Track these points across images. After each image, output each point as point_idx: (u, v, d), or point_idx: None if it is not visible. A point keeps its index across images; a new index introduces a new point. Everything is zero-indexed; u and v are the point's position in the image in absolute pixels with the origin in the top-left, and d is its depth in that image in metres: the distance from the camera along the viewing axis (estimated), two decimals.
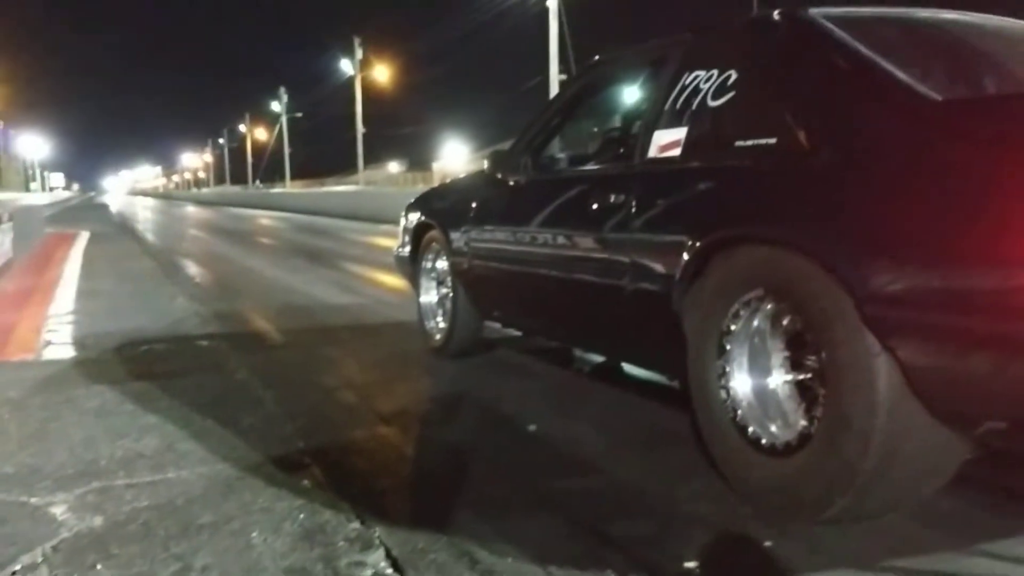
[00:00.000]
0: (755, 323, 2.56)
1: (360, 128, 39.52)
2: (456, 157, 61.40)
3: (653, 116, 3.08)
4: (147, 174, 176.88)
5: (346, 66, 40.52)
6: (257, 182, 75.21)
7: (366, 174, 44.57)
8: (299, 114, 57.84)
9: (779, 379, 2.52)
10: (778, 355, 2.52)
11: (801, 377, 2.44)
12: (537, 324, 4.22)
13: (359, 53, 39.60)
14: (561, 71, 23.30)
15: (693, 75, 2.92)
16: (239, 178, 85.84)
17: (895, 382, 2.09)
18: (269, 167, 69.39)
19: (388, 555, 2.24)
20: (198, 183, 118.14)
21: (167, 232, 20.76)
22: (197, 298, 7.54)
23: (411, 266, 5.03)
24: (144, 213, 35.58)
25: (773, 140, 2.51)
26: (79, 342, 5.43)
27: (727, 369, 2.60)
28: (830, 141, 2.36)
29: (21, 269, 10.11)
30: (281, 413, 3.65)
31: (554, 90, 23.45)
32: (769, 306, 2.51)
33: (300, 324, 6.07)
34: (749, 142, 2.59)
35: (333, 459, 3.03)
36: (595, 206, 3.23)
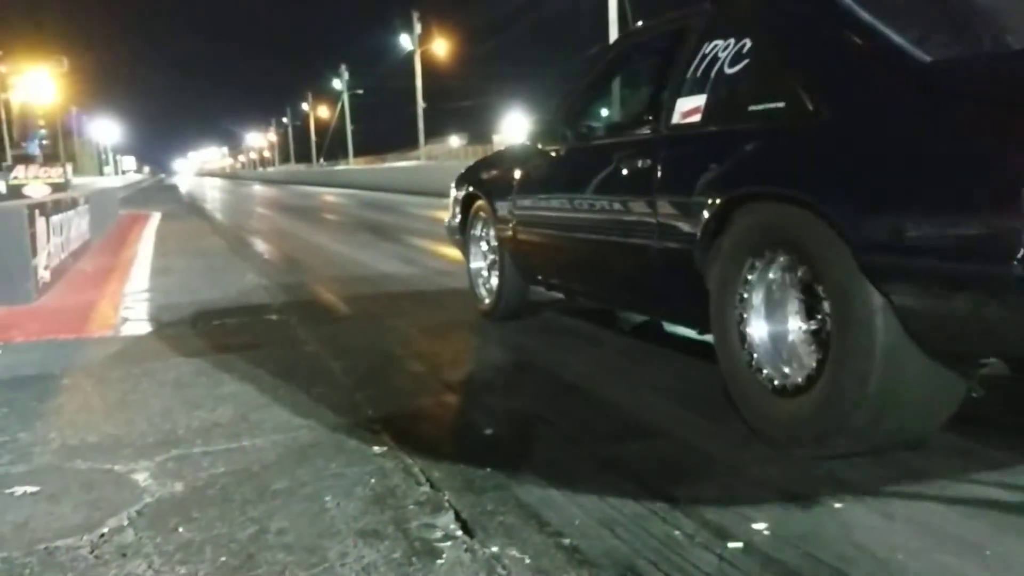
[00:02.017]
0: (769, 275, 2.74)
1: (420, 103, 39.62)
2: (516, 129, 61.08)
3: (677, 84, 3.22)
4: (214, 155, 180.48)
5: (405, 41, 40.59)
6: (321, 160, 76.13)
7: (427, 148, 44.73)
8: (360, 91, 58.15)
9: (792, 326, 2.70)
10: (791, 305, 2.70)
11: (811, 324, 2.61)
12: (576, 287, 4.37)
13: (418, 28, 39.61)
14: None
15: (712, 44, 3.06)
16: (303, 156, 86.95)
17: (891, 325, 2.25)
18: (332, 144, 70.16)
19: (457, 517, 2.28)
20: (263, 162, 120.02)
21: (235, 211, 21.20)
22: (266, 273, 7.71)
23: (461, 235, 5.34)
24: (212, 193, 36.37)
25: (782, 104, 2.67)
26: (155, 318, 5.61)
27: (745, 318, 2.78)
28: (830, 104, 2.51)
29: (98, 249, 10.44)
30: (350, 382, 3.72)
31: None
32: (781, 259, 2.68)
33: (366, 296, 6.17)
34: (760, 107, 2.75)
35: (401, 425, 3.09)
36: (625, 171, 3.42)
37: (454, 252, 7.68)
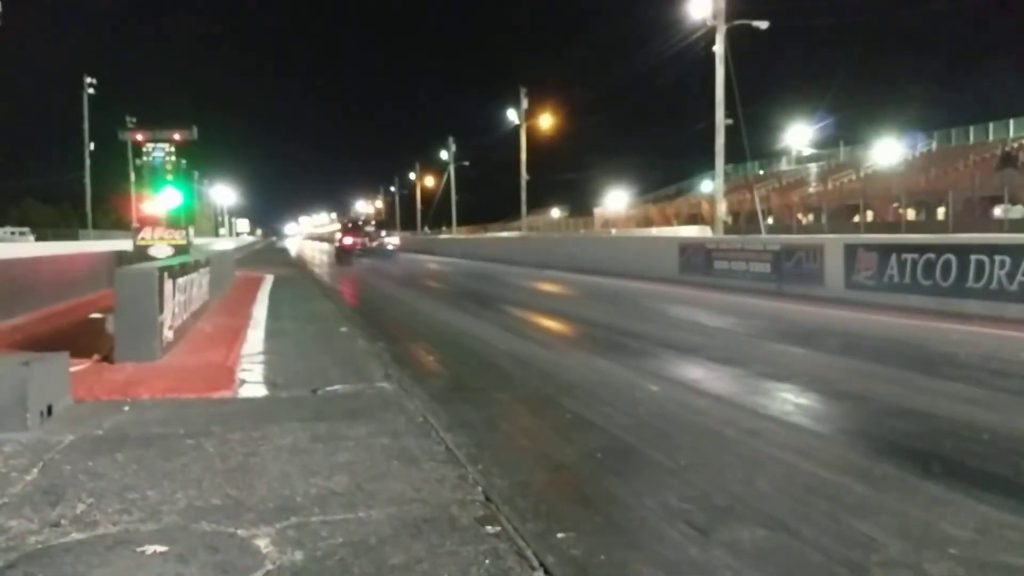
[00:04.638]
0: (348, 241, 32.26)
1: (524, 175, 40.34)
2: (617, 202, 61.44)
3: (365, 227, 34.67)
4: (323, 220, 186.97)
5: (512, 115, 41.59)
6: (425, 227, 77.94)
7: (528, 219, 45.36)
8: (466, 163, 59.66)
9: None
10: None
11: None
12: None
13: (524, 103, 40.58)
14: (727, 115, 22.96)
15: (371, 224, 35.50)
16: (408, 224, 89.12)
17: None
18: (437, 213, 71.82)
19: None
20: None
21: (341, 275, 21.82)
22: (375, 339, 7.88)
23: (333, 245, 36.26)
24: (320, 257, 37.61)
25: (365, 236, 32.54)
26: (270, 380, 5.79)
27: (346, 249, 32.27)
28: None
29: (217, 310, 10.87)
30: (462, 455, 3.76)
31: (720, 134, 23.15)
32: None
33: (472, 367, 6.23)
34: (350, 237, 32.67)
35: (514, 504, 3.10)
36: (338, 235, 35.12)
37: (557, 324, 7.72)
